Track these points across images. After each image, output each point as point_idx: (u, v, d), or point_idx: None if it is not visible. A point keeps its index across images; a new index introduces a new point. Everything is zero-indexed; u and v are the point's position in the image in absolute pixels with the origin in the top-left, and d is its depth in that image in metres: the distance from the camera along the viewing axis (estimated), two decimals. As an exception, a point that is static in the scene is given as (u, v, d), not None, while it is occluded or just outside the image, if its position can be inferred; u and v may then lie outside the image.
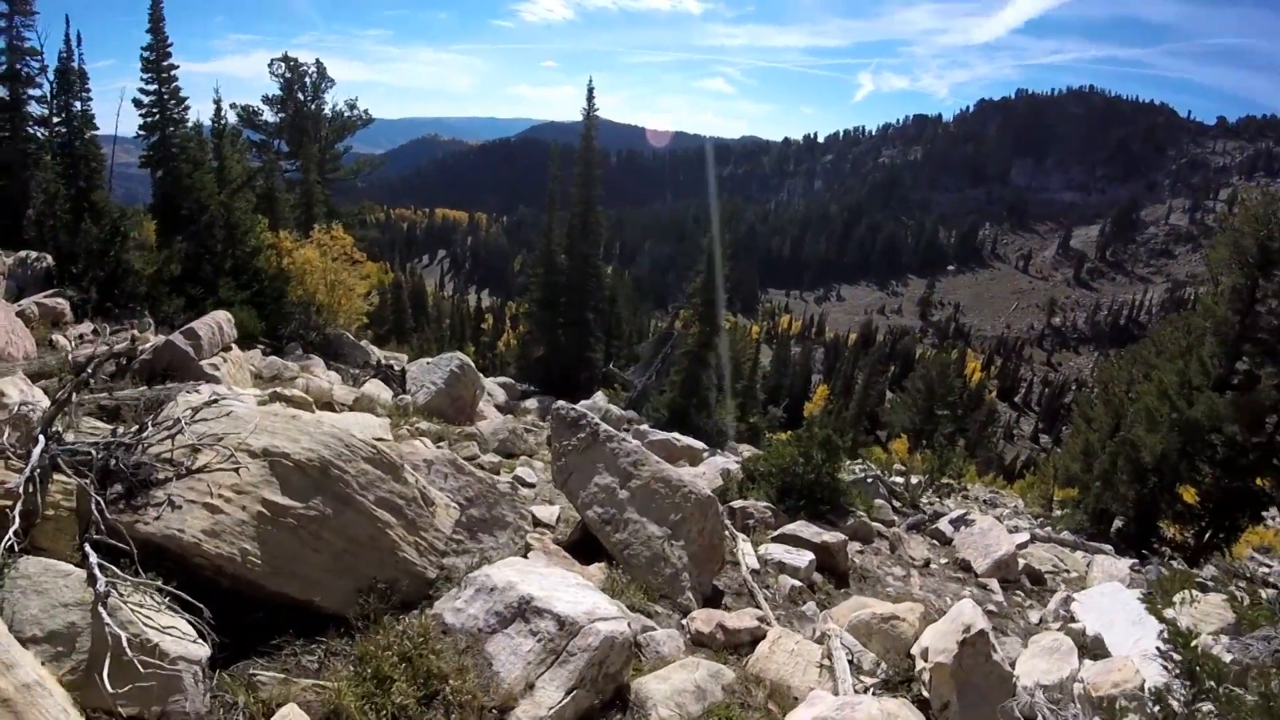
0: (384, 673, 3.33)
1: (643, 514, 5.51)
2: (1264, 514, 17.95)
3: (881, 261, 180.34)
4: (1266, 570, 17.93)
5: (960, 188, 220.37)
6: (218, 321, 10.14)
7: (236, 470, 3.84)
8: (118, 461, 3.73)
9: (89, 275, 15.07)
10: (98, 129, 18.54)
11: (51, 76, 18.33)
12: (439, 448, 8.41)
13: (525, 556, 5.08)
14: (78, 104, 18.29)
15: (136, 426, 4.11)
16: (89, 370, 5.13)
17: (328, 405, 9.20)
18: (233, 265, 18.06)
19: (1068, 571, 10.06)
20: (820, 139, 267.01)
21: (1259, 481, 15.07)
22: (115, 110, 20.19)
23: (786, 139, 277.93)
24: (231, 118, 30.35)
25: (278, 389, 8.37)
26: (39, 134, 18.69)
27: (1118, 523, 16.84)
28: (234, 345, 10.81)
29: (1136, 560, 11.92)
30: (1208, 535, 15.63)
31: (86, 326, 12.71)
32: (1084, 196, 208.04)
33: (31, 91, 18.57)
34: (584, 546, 5.80)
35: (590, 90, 25.52)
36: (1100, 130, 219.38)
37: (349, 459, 4.12)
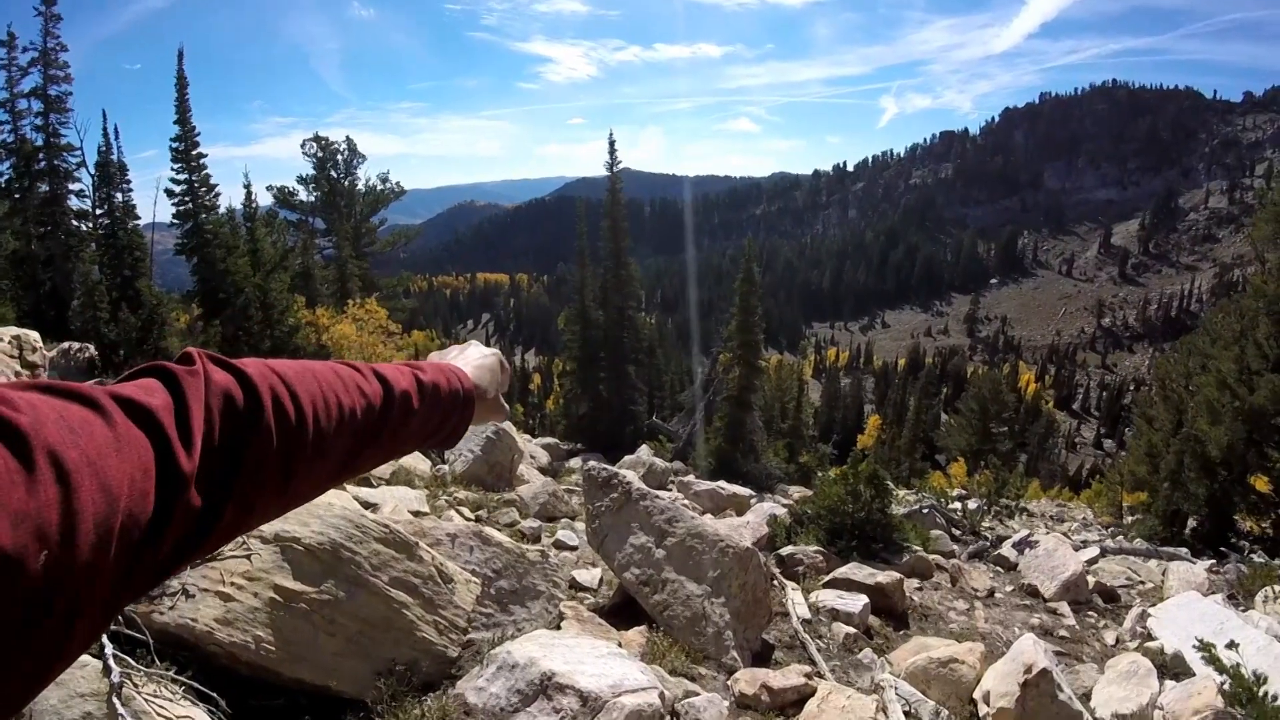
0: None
1: (680, 572, 5.29)
2: None
3: (923, 283, 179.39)
4: None
5: (994, 199, 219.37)
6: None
7: (248, 557, 3.75)
8: (135, 552, 3.64)
9: (128, 364, 15.35)
10: (139, 218, 19.22)
11: (92, 170, 18.99)
12: (478, 516, 8.30)
13: (559, 626, 4.87)
14: (119, 195, 18.94)
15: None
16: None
17: (364, 480, 9.10)
18: (271, 345, 18.36)
19: (1143, 583, 9.53)
20: (850, 167, 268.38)
21: None
22: (153, 199, 20.85)
23: (816, 171, 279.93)
24: (267, 199, 31.25)
25: (310, 469, 8.30)
26: (80, 227, 19.27)
27: (1192, 523, 16.21)
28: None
29: (1214, 560, 11.38)
30: None
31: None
32: (1120, 192, 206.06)
33: (71, 186, 19.21)
34: (624, 610, 5.58)
35: (612, 144, 25.75)
36: (1128, 123, 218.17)
37: (360, 540, 4.00)
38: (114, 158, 19.05)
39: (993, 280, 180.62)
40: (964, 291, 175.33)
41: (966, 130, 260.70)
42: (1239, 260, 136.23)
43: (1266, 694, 3.49)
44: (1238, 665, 3.67)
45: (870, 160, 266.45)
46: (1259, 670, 3.74)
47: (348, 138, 35.22)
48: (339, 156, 34.59)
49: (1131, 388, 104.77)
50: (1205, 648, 4.22)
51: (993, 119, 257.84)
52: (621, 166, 26.24)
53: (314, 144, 34.02)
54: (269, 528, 3.92)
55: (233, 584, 3.65)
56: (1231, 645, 4.45)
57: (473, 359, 1.26)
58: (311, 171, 33.85)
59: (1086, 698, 5.34)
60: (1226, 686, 3.64)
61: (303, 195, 33.86)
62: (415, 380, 1.02)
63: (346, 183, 34.74)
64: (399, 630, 3.93)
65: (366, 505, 7.13)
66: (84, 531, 0.53)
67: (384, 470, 10.06)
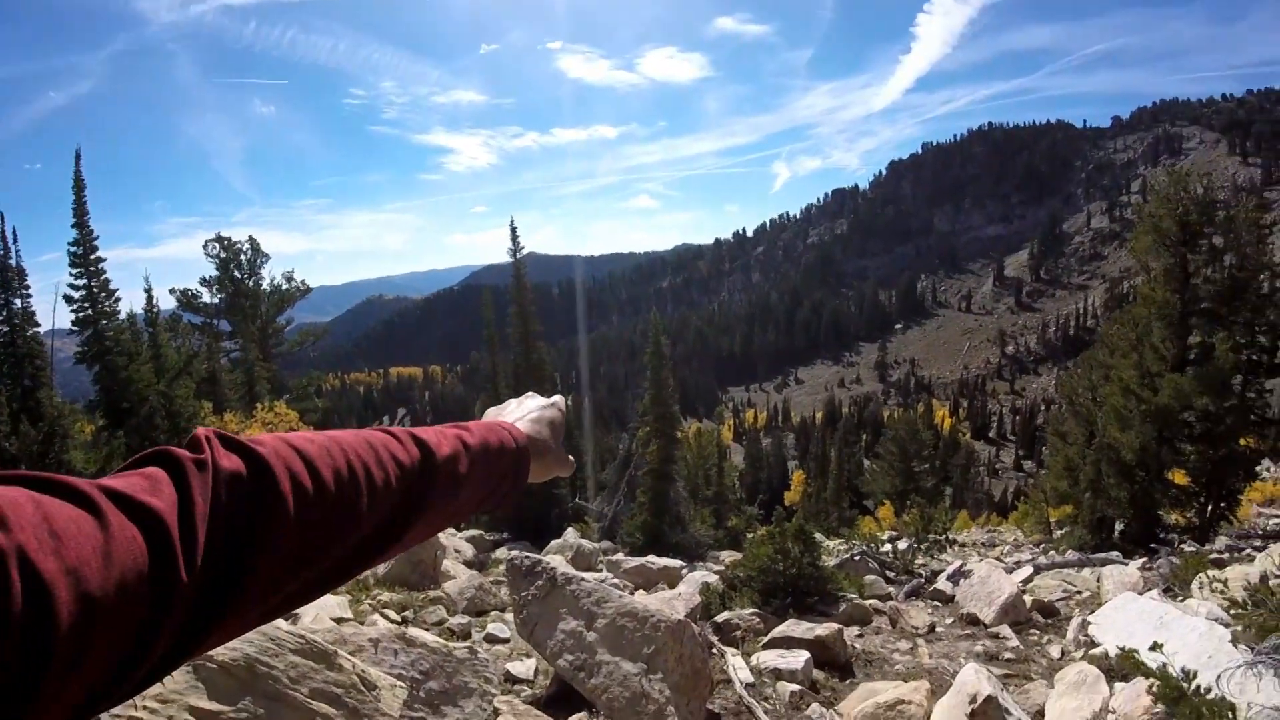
0: None
1: (615, 653, 5.17)
2: (1258, 470, 18.12)
3: (831, 337, 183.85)
4: (1277, 521, 17.91)
5: (890, 248, 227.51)
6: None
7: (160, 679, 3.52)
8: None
9: (28, 478, 14.61)
10: (39, 325, 18.30)
11: None
12: (404, 617, 8.02)
13: (494, 723, 4.70)
14: (18, 301, 18.06)
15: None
16: None
17: (283, 594, 8.76)
18: (178, 455, 17.69)
19: (1079, 593, 9.70)
20: (749, 233, 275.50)
21: (1243, 442, 15.28)
22: (53, 305, 20.06)
23: (717, 240, 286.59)
24: (170, 302, 30.40)
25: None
26: None
27: (1119, 526, 16.75)
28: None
29: (1146, 559, 11.67)
30: (1210, 509, 15.67)
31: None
32: (1007, 226, 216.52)
33: None
34: (562, 699, 5.42)
35: (514, 231, 25.87)
36: (1007, 161, 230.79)
37: (275, 653, 3.81)
38: (12, 262, 18.25)
39: (897, 325, 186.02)
40: (871, 340, 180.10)
41: (857, 186, 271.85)
42: (1126, 273, 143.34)
43: (1198, 687, 3.53)
44: (1163, 665, 3.72)
45: (768, 224, 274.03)
46: (1189, 665, 3.79)
47: (250, 237, 34.73)
48: (242, 256, 34.03)
49: (1042, 408, 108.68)
50: (1128, 655, 4.28)
51: (880, 173, 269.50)
52: (526, 252, 26.36)
53: (216, 244, 33.44)
54: (177, 654, 3.72)
55: (145, 708, 3.41)
56: (1155, 646, 4.53)
57: (530, 412, 1.21)
58: (215, 273, 33.25)
59: (1040, 714, 5.37)
60: (1155, 689, 3.68)
61: (206, 297, 33.24)
62: (460, 442, 0.97)
63: (251, 283, 34.12)
64: (324, 746, 3.73)
65: (287, 616, 6.85)
66: (58, 643, 0.51)
67: (303, 581, 9.70)
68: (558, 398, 1.30)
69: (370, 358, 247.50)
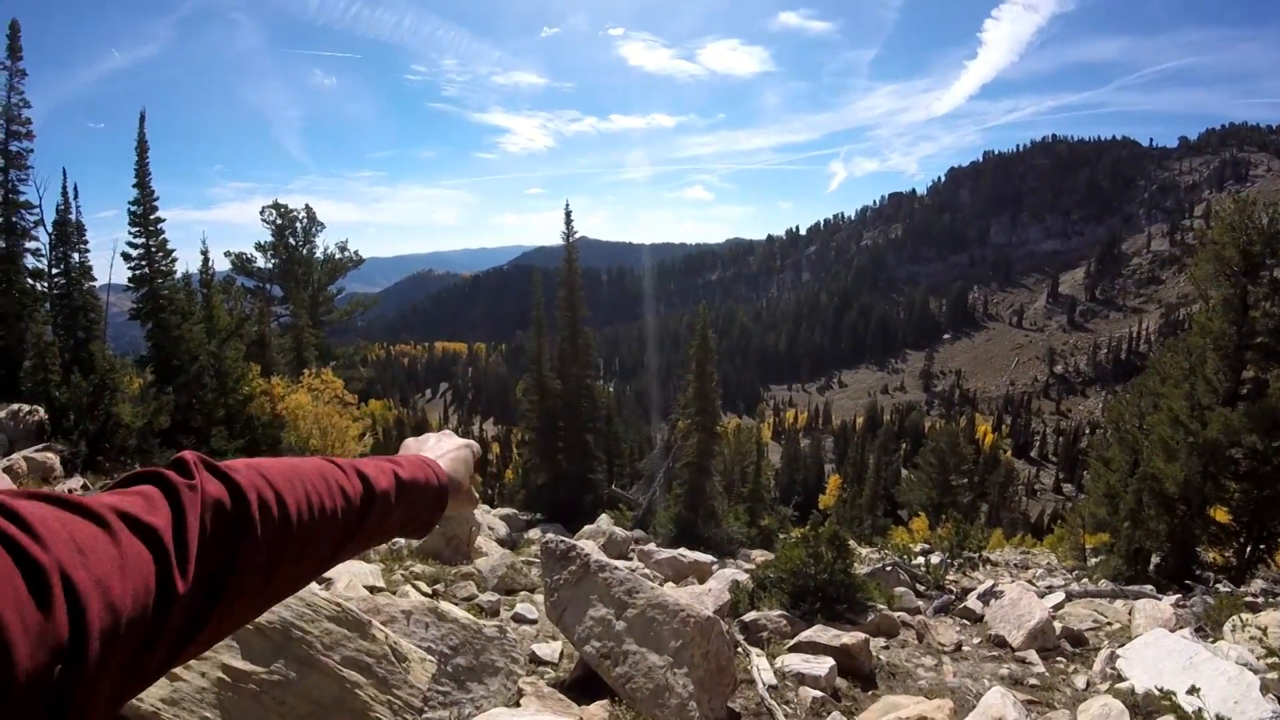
0: None
1: (642, 644, 5.19)
2: None
3: (877, 342, 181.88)
4: None
5: (943, 256, 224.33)
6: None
7: (196, 639, 3.61)
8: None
9: (79, 429, 14.97)
10: (95, 280, 18.74)
11: (49, 228, 18.60)
12: (435, 590, 8.13)
13: (518, 703, 4.75)
14: (75, 255, 18.54)
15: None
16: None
17: (319, 557, 8.91)
18: (225, 414, 18.01)
19: (1110, 624, 9.56)
20: (802, 231, 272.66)
21: None
22: (110, 260, 20.49)
23: (769, 236, 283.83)
24: (225, 265, 30.93)
25: (264, 547, 8.10)
26: (35, 286, 18.80)
27: (1155, 559, 16.39)
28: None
29: (1180, 595, 11.46)
30: (1249, 550, 15.31)
31: (76, 481, 12.52)
32: (1064, 242, 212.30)
33: (27, 244, 18.74)
34: (586, 684, 5.46)
35: (568, 214, 25.95)
36: (1068, 175, 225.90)
37: (312, 619, 3.87)
38: (72, 217, 18.69)
39: (945, 335, 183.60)
40: (918, 348, 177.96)
41: (914, 191, 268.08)
42: (1183, 300, 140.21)
43: None
44: (1199, 710, 3.65)
45: (822, 224, 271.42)
46: (1221, 712, 3.72)
47: (307, 205, 35.18)
48: (298, 224, 34.56)
49: (1087, 431, 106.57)
50: (1165, 695, 4.21)
51: (938, 179, 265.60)
52: (578, 236, 26.43)
53: (273, 211, 33.96)
54: (216, 610, 3.80)
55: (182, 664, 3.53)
56: (1193, 690, 4.45)
57: (448, 451, 1.32)
58: (270, 238, 33.76)
59: None
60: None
61: (260, 262, 33.68)
62: (395, 478, 1.08)
63: (304, 250, 34.63)
64: (352, 711, 3.79)
65: (320, 580, 6.97)
66: (92, 647, 0.59)
67: (339, 546, 9.86)
68: (472, 442, 1.42)
69: (416, 331, 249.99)
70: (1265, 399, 14.25)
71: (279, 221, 33.86)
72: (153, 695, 3.34)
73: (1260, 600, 10.67)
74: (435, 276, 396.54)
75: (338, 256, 36.03)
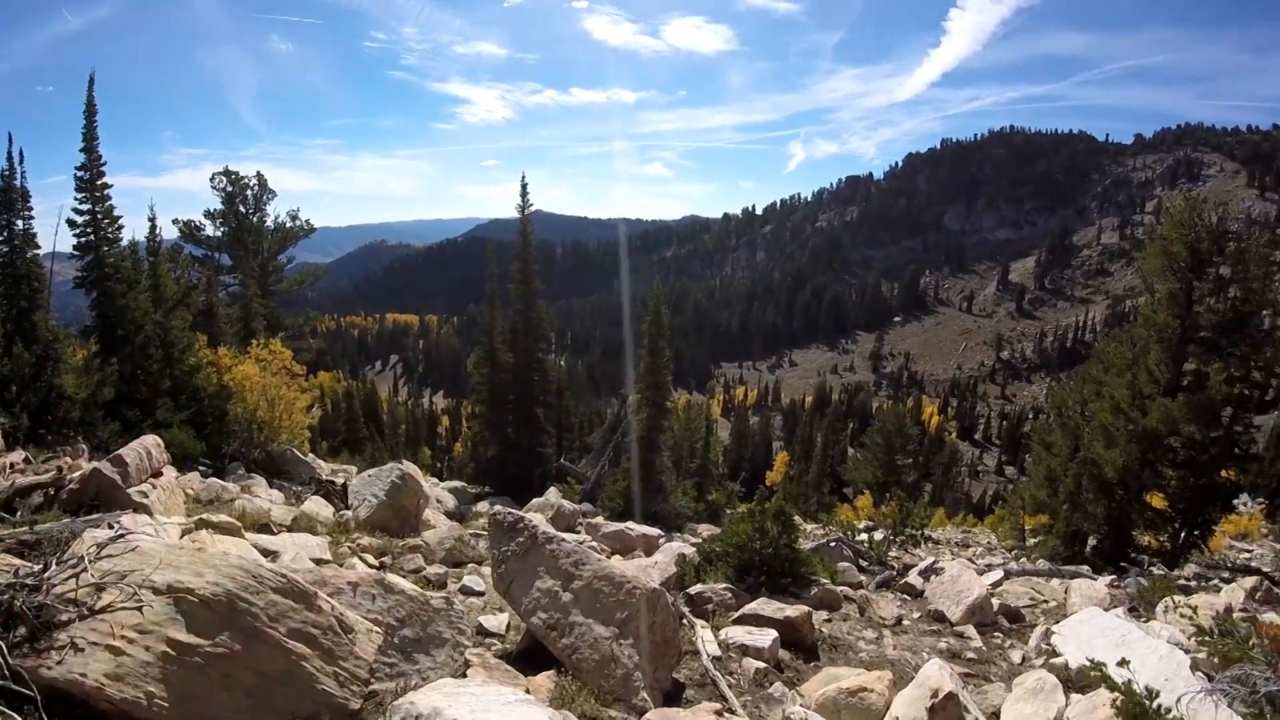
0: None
1: (588, 615, 5.26)
2: (1234, 503, 18.34)
3: (829, 322, 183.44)
4: (1247, 555, 18.23)
5: (897, 241, 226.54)
6: (146, 446, 9.73)
7: (140, 609, 3.59)
8: (21, 603, 3.49)
9: (21, 401, 14.60)
10: (39, 248, 18.11)
11: None
12: (382, 562, 8.12)
13: (465, 674, 4.79)
14: (19, 222, 17.90)
15: (40, 566, 3.91)
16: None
17: (264, 527, 8.83)
18: (171, 385, 17.62)
19: (1046, 602, 9.88)
20: (759, 210, 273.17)
21: (1224, 474, 15.36)
22: (54, 228, 19.86)
23: (726, 215, 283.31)
24: (173, 233, 30.15)
25: (204, 515, 7.99)
26: None
27: (1092, 541, 16.88)
28: (166, 469, 10.39)
29: (1115, 576, 11.84)
30: (1183, 535, 15.81)
31: (18, 455, 12.20)
32: (1017, 231, 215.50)
33: None
34: (533, 655, 5.52)
35: (524, 186, 25.66)
36: (1025, 166, 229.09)
37: (257, 590, 3.87)
38: (17, 183, 18.08)
39: (896, 318, 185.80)
40: (869, 330, 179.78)
41: (871, 175, 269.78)
42: (1130, 292, 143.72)
43: (1160, 707, 3.61)
44: (1128, 682, 3.80)
45: (779, 204, 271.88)
46: (1151, 685, 3.87)
47: (258, 173, 34.27)
48: (249, 191, 33.69)
49: (1030, 416, 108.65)
50: (1096, 667, 4.36)
51: (896, 164, 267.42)
52: (534, 209, 26.17)
53: (223, 178, 33.03)
54: (162, 578, 3.77)
55: (123, 637, 3.48)
56: (1123, 663, 4.63)
57: None
58: (220, 206, 32.87)
59: (995, 716, 5.48)
60: (1118, 703, 3.77)
61: (209, 230, 32.79)
62: None
63: (255, 219, 33.77)
64: (299, 683, 3.81)
65: (266, 553, 6.94)
66: None
67: (285, 517, 9.78)
68: None
69: (368, 302, 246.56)
70: (1205, 391, 14.66)
71: (229, 189, 33.01)
72: (96, 670, 3.33)
73: (1193, 584, 11.08)
74: (389, 247, 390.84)
75: (289, 225, 35.28)
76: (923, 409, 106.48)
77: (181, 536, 6.93)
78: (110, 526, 5.29)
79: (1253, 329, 15.03)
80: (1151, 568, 13.38)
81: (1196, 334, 15.36)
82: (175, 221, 32.26)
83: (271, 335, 24.29)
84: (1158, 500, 16.09)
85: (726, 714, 4.92)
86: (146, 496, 8.61)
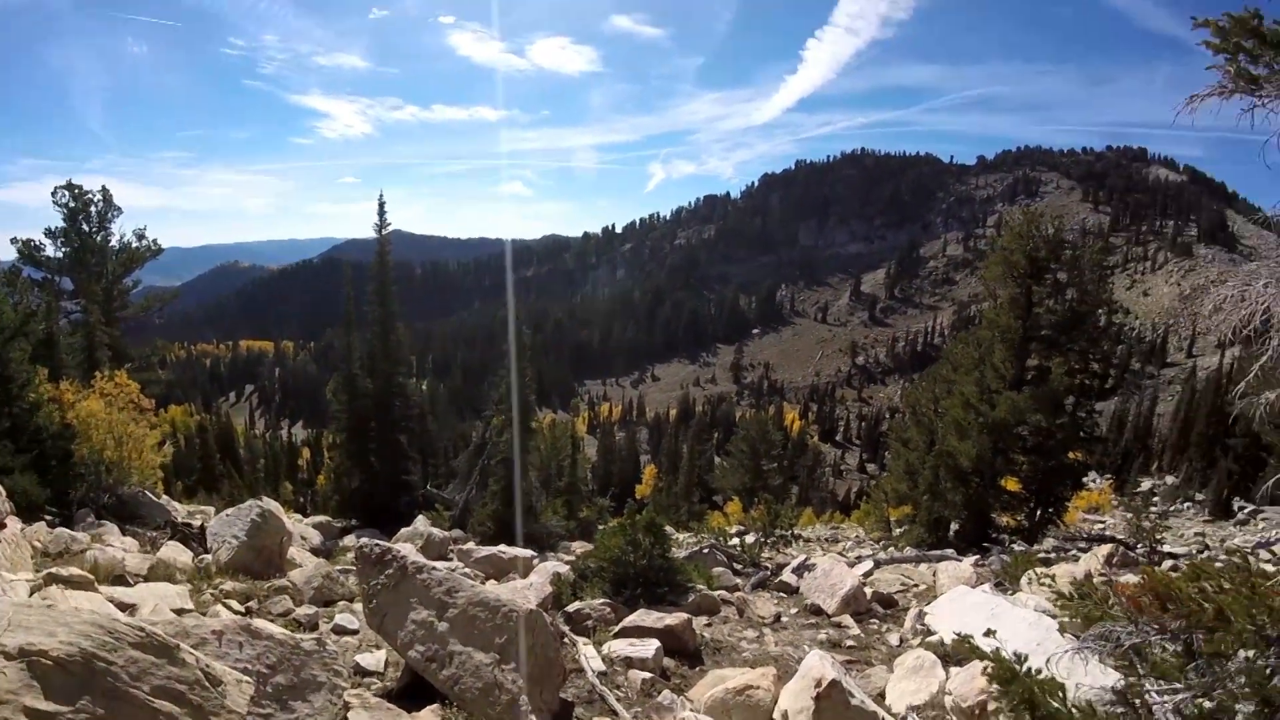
0: None
1: (467, 643, 5.18)
2: (1084, 480, 19.89)
3: (689, 336, 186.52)
4: (1100, 526, 19.70)
5: (754, 257, 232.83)
6: (-15, 498, 9.02)
7: (-9, 678, 3.32)
8: None
9: None
10: None
11: None
12: (248, 607, 7.76)
13: (345, 718, 4.65)
14: None
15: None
16: None
17: (120, 578, 8.30)
18: (10, 425, 16.30)
19: (916, 586, 10.34)
20: (619, 229, 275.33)
21: (1071, 456, 16.79)
22: None
23: (586, 233, 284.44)
24: (10, 253, 27.95)
25: (54, 569, 7.45)
26: None
27: (954, 526, 17.90)
28: (10, 520, 9.60)
29: (979, 556, 12.50)
30: (1039, 513, 17.17)
31: None
32: (868, 245, 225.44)
33: None
34: (415, 690, 5.39)
35: (381, 205, 24.94)
36: (874, 186, 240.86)
37: (114, 647, 3.64)
38: None
39: (755, 330, 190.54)
40: (729, 342, 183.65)
41: (728, 194, 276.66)
42: (974, 298, 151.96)
43: (1030, 669, 3.83)
44: (997, 650, 4.01)
45: (638, 223, 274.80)
46: (1021, 650, 4.09)
47: (104, 187, 31.69)
48: (93, 208, 31.09)
49: (887, 416, 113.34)
50: (964, 640, 4.60)
51: (753, 184, 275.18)
52: (392, 228, 25.53)
53: (66, 192, 30.48)
54: (13, 641, 3.50)
55: (-26, 709, 3.23)
56: (989, 633, 4.93)
57: None
58: (61, 224, 30.42)
59: (881, 697, 5.72)
60: (989, 670, 3.98)
61: (50, 250, 30.28)
62: None
63: (99, 238, 31.29)
64: (167, 742, 3.60)
65: (124, 606, 6.54)
66: None
67: (141, 566, 9.23)
68: None
69: (220, 328, 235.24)
70: (1048, 383, 16.04)
71: (72, 204, 30.52)
72: (-59, 747, 3.07)
73: (1053, 556, 11.92)
74: (241, 269, 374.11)
75: (135, 245, 32.79)
76: (784, 415, 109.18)
77: (31, 594, 6.45)
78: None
79: (1090, 326, 16.53)
80: (1013, 545, 14.34)
81: (1038, 333, 16.73)
82: (14, 241, 29.60)
83: (117, 366, 22.78)
84: (1012, 484, 17.33)
85: (612, 730, 4.94)
86: (-13, 552, 7.97)
